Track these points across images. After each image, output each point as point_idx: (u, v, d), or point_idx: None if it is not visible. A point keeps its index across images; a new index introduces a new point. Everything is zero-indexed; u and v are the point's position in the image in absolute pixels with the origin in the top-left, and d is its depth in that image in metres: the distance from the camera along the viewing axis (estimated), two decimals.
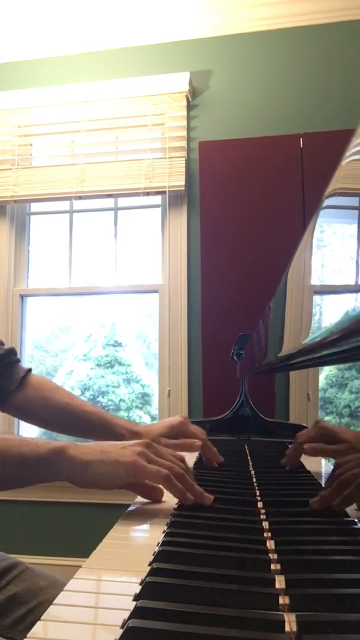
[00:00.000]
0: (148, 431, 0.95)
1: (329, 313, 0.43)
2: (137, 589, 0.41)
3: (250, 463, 0.99)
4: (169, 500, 0.71)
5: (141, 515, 0.67)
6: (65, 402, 0.99)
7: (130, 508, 0.69)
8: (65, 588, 0.43)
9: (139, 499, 0.73)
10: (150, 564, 0.46)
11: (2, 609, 0.83)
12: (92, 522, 2.34)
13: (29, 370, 1.04)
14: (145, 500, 0.72)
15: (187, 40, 2.55)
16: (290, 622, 0.35)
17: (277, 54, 2.48)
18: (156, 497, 0.70)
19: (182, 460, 0.71)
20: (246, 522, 0.58)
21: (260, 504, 0.68)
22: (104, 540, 0.56)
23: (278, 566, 0.46)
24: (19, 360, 1.04)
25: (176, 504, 0.68)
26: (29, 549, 2.39)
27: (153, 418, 3.52)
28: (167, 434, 0.94)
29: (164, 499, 0.71)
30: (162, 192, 2.46)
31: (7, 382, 0.99)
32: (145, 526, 0.63)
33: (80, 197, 2.55)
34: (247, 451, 1.13)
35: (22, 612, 0.83)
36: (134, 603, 0.38)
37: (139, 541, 0.58)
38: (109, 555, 0.53)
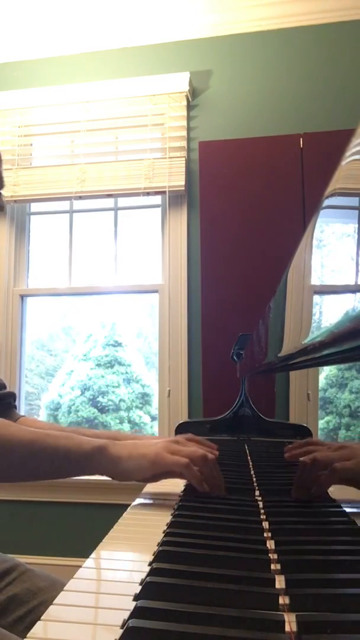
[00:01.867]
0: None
1: (329, 313, 0.43)
2: (137, 588, 0.41)
3: (250, 463, 0.99)
4: (169, 499, 0.71)
5: (141, 515, 0.67)
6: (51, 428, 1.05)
7: (130, 508, 0.69)
8: (65, 588, 0.43)
9: (139, 499, 0.73)
10: (150, 564, 0.47)
11: (2, 609, 0.83)
12: (92, 522, 2.34)
13: (22, 416, 1.11)
14: (145, 500, 0.72)
15: (187, 40, 2.55)
16: (290, 622, 0.35)
17: (277, 54, 2.48)
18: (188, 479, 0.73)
19: (213, 447, 0.76)
20: (246, 522, 0.58)
21: (260, 504, 0.68)
22: (103, 540, 0.56)
23: (278, 566, 0.46)
24: (16, 407, 1.11)
25: (176, 503, 0.68)
26: (29, 549, 2.39)
27: (153, 418, 3.52)
28: None
29: (164, 497, 0.71)
30: (162, 192, 2.46)
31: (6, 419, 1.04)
32: (145, 526, 0.63)
33: (80, 197, 2.54)
34: (247, 451, 1.13)
35: (22, 612, 0.83)
36: (134, 603, 0.38)
37: (138, 541, 0.58)
38: (109, 555, 0.53)
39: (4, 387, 1.08)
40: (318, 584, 0.42)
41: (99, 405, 3.53)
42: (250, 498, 0.70)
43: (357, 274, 0.35)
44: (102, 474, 0.71)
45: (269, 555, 0.48)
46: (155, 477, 0.72)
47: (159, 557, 0.47)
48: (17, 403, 1.12)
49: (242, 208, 2.37)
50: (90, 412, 3.51)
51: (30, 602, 0.84)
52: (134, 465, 0.70)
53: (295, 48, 2.46)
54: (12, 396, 1.08)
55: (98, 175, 2.52)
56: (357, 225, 0.39)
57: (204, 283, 2.39)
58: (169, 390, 2.43)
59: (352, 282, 0.36)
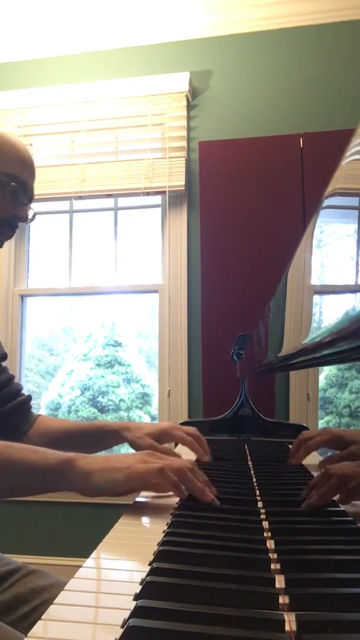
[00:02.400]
0: (139, 427, 0.99)
1: (329, 313, 0.43)
2: (137, 588, 0.42)
3: (250, 463, 0.99)
4: (169, 499, 0.71)
5: (141, 515, 0.67)
6: (57, 426, 1.07)
7: (131, 508, 0.69)
8: (66, 587, 0.44)
9: (139, 498, 0.73)
10: (150, 564, 0.47)
11: (6, 607, 0.84)
12: (92, 522, 2.34)
13: (39, 415, 1.12)
14: (145, 500, 0.72)
15: (187, 40, 2.55)
16: (290, 622, 0.36)
17: (277, 54, 2.48)
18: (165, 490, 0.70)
19: (189, 462, 0.71)
20: (246, 522, 0.58)
21: (260, 504, 0.68)
22: (104, 540, 0.56)
23: (278, 566, 0.46)
24: (31, 407, 1.12)
25: (176, 503, 0.68)
26: (29, 549, 2.39)
27: (153, 418, 3.52)
28: (155, 435, 0.97)
29: (164, 497, 0.71)
30: (162, 192, 2.46)
31: (23, 424, 1.07)
32: (145, 526, 0.63)
33: (80, 197, 2.54)
34: (247, 451, 1.13)
35: (26, 610, 0.84)
36: (134, 602, 0.38)
37: (139, 541, 0.58)
38: (109, 555, 0.53)
39: (21, 391, 1.09)
40: (318, 583, 0.42)
41: (99, 405, 3.54)
42: (250, 498, 0.71)
43: (357, 274, 0.35)
44: (71, 490, 0.68)
45: (269, 555, 0.48)
46: (129, 491, 0.68)
47: (159, 556, 0.47)
48: None
49: (242, 208, 2.37)
50: (90, 412, 3.51)
51: (34, 601, 0.85)
52: (106, 479, 0.66)
53: (295, 48, 2.46)
54: (30, 400, 1.09)
55: (98, 175, 2.52)
56: (357, 225, 0.39)
57: (204, 283, 2.39)
58: (169, 390, 2.43)
59: (352, 282, 0.36)
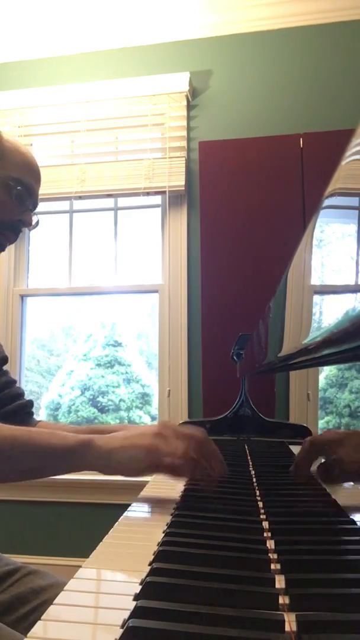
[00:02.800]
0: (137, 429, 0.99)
1: (329, 313, 0.43)
2: (137, 588, 0.42)
3: (250, 463, 0.99)
4: (169, 499, 0.71)
5: (141, 515, 0.67)
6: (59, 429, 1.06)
7: (131, 508, 0.69)
8: (66, 588, 0.43)
9: (139, 499, 0.73)
10: (150, 564, 0.47)
11: (5, 607, 0.84)
12: (92, 522, 2.34)
13: (39, 421, 1.12)
14: (145, 499, 0.72)
15: (187, 40, 2.55)
16: (290, 622, 0.35)
17: (277, 54, 2.48)
18: (182, 474, 0.72)
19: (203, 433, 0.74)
20: (246, 522, 0.58)
21: (260, 504, 0.68)
22: (104, 540, 0.56)
23: (278, 566, 0.46)
24: (33, 413, 1.13)
25: (176, 503, 0.68)
26: (29, 549, 2.39)
27: (153, 418, 3.52)
28: None
29: (164, 497, 0.71)
30: (162, 192, 2.46)
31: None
32: (145, 526, 0.63)
33: (80, 197, 2.55)
34: (247, 451, 1.13)
35: (26, 610, 0.84)
36: (134, 603, 0.38)
37: (139, 541, 0.58)
38: (109, 555, 0.53)
39: (22, 395, 1.09)
40: (318, 583, 0.42)
41: (99, 405, 3.53)
42: (250, 498, 0.71)
43: (357, 274, 0.35)
44: (91, 469, 0.70)
45: (269, 555, 0.48)
46: (148, 469, 0.70)
47: (158, 556, 0.47)
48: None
49: (242, 208, 2.37)
50: (90, 412, 3.51)
51: (34, 601, 0.85)
52: (128, 456, 0.68)
53: (295, 48, 2.46)
54: (31, 404, 1.10)
55: (98, 175, 2.52)
56: (357, 225, 0.39)
57: (204, 283, 2.39)
58: (169, 390, 2.43)
59: (352, 282, 0.36)
